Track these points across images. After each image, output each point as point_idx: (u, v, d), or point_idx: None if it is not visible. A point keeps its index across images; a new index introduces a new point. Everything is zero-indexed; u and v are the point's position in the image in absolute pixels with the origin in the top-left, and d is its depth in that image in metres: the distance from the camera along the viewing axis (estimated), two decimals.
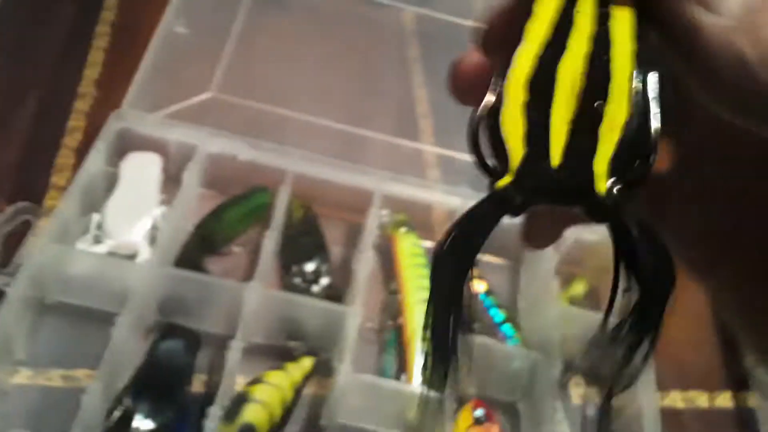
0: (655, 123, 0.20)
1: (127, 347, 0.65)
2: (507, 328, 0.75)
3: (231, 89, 0.86)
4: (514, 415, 0.74)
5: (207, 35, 0.92)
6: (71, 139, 0.83)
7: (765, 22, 0.17)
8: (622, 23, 0.20)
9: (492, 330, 0.75)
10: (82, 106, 0.86)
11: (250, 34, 0.92)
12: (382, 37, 1.02)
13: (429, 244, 0.82)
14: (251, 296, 0.66)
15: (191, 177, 0.73)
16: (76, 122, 0.84)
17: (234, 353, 0.63)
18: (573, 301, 0.80)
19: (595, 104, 0.20)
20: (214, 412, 0.60)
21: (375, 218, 0.76)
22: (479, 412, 0.69)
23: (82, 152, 0.79)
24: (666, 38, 0.19)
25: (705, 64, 0.18)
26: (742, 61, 0.17)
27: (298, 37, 0.97)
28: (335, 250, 0.80)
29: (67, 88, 0.87)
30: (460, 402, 0.71)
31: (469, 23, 1.02)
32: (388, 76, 0.99)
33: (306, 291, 0.75)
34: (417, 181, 0.81)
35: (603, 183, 0.20)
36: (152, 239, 0.71)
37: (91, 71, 0.89)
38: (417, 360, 0.72)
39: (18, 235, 0.70)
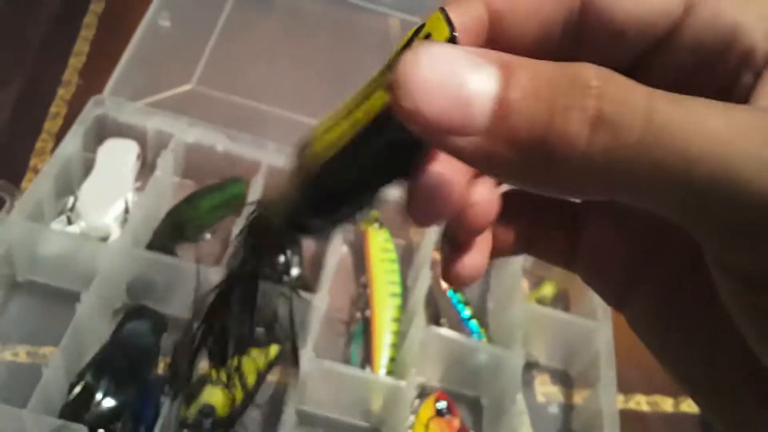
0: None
1: (92, 325, 0.65)
2: (473, 324, 0.76)
3: (212, 83, 0.87)
4: (477, 410, 0.75)
5: (190, 29, 0.93)
6: (52, 125, 0.84)
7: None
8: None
9: (458, 325, 0.76)
10: (64, 93, 0.87)
11: (232, 30, 0.93)
12: (365, 42, 1.03)
13: (400, 241, 0.83)
14: (217, 281, 0.67)
15: (165, 163, 0.74)
16: (58, 108, 0.86)
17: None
18: (541, 302, 0.81)
19: None
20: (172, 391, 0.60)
21: None
22: (442, 405, 0.70)
23: (62, 138, 0.80)
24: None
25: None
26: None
27: (281, 36, 0.99)
28: (308, 243, 0.81)
29: (51, 75, 0.88)
30: (423, 393, 0.72)
31: None
32: (367, 78, 1.00)
33: (277, 281, 0.75)
34: None
35: None
36: (124, 223, 0.72)
37: (76, 60, 0.91)
38: (382, 351, 0.73)
39: None
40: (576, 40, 0.21)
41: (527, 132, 0.17)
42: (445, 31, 0.19)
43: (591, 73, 0.17)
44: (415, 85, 0.17)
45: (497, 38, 0.21)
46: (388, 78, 0.18)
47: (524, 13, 0.21)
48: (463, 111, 0.17)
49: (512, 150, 0.17)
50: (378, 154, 0.22)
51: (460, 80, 0.17)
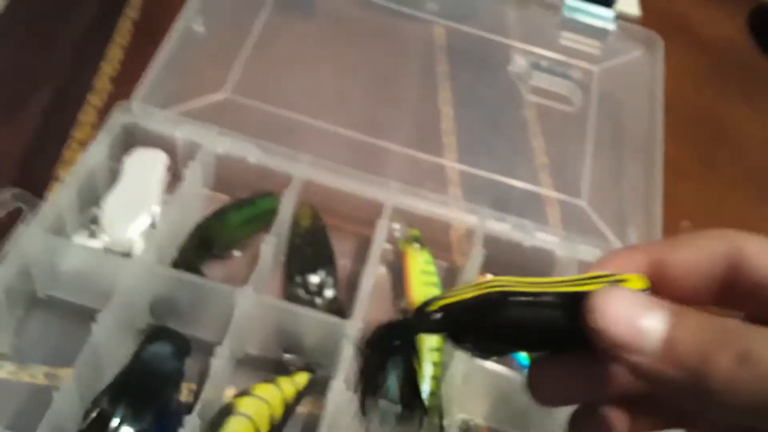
0: None
1: (110, 347, 0.61)
2: (522, 358, 0.70)
3: (246, 91, 0.83)
4: None
5: (226, 35, 0.89)
6: (81, 133, 0.80)
7: None
8: None
9: (507, 358, 0.70)
10: (95, 100, 0.84)
11: (269, 37, 0.89)
12: (409, 50, 0.99)
13: (444, 263, 0.78)
14: (243, 302, 0.62)
15: (193, 174, 0.70)
16: (88, 116, 0.82)
17: (218, 361, 0.59)
18: None
19: None
20: (193, 421, 0.55)
21: (383, 231, 0.72)
22: None
23: None
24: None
25: None
26: None
27: (320, 44, 0.94)
28: (343, 264, 0.76)
29: (82, 81, 0.85)
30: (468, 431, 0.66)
31: (502, 40, 0.99)
32: (412, 90, 0.95)
33: (309, 303, 0.71)
34: (434, 197, 0.76)
35: None
36: (149, 238, 0.68)
37: (109, 67, 0.87)
38: (423, 383, 0.67)
39: (10, 223, 0.67)
40: (727, 289, 0.27)
41: (689, 358, 0.23)
42: (642, 284, 0.27)
43: (737, 323, 0.23)
44: (607, 315, 0.24)
45: (661, 282, 0.28)
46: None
47: (681, 263, 0.28)
48: (636, 338, 0.24)
49: (676, 370, 0.23)
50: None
51: (636, 316, 0.24)
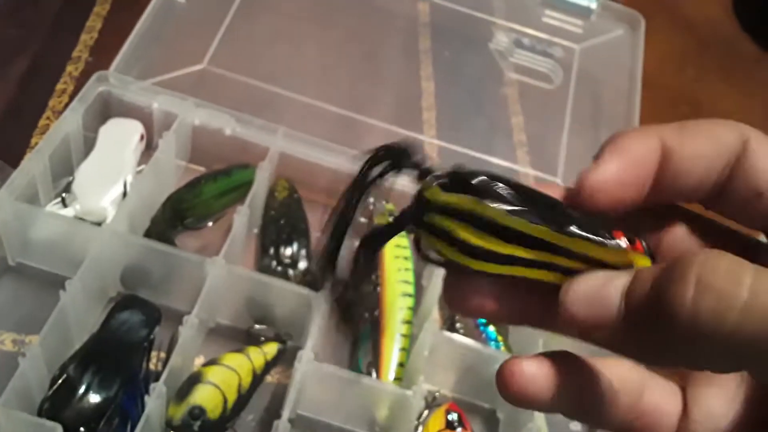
0: None
1: (79, 314, 0.61)
2: (490, 331, 0.71)
3: (225, 64, 0.83)
4: (492, 423, 0.69)
5: (206, 7, 0.89)
6: (57, 102, 0.80)
7: None
8: None
9: (474, 332, 0.70)
10: (73, 70, 0.83)
11: (251, 10, 0.89)
12: (392, 26, 0.98)
13: None
14: (214, 272, 0.62)
15: (167, 144, 0.70)
16: (65, 85, 0.82)
17: (188, 330, 0.59)
18: None
19: None
20: (159, 389, 0.56)
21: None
22: (453, 416, 0.65)
23: None
24: None
25: None
26: None
27: (302, 17, 0.94)
28: (318, 237, 0.76)
29: (60, 50, 0.85)
30: (432, 404, 0.67)
31: (485, 17, 0.99)
32: (394, 66, 0.95)
33: (282, 275, 0.71)
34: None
35: None
36: (122, 207, 0.68)
37: (87, 37, 0.87)
38: (391, 355, 0.68)
39: None
40: (721, 194, 0.25)
41: (646, 302, 0.22)
42: (648, 261, 0.25)
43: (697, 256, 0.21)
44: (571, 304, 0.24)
45: (665, 170, 0.25)
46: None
47: (690, 155, 0.25)
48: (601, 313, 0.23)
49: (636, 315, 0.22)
50: None
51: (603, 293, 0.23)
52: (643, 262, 0.24)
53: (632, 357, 0.24)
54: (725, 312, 0.20)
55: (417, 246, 0.27)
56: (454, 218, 0.25)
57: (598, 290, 0.23)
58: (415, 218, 0.26)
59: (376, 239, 0.27)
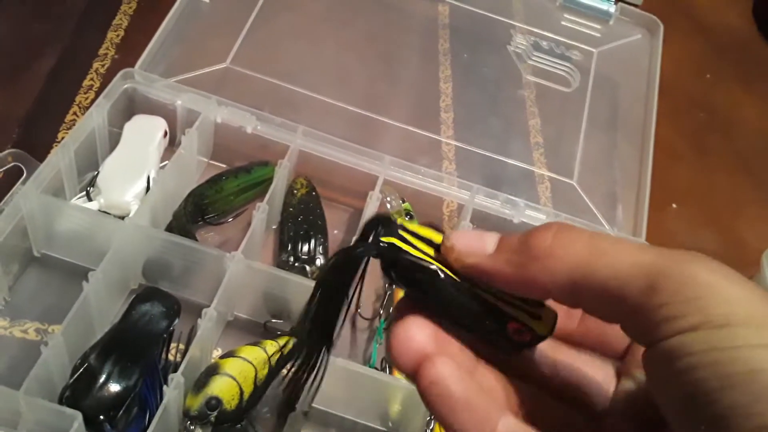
0: None
1: (102, 305, 0.63)
2: None
3: (248, 63, 0.84)
4: None
5: (230, 7, 0.90)
6: (84, 98, 0.82)
7: None
8: None
9: None
10: (99, 67, 0.85)
11: (273, 10, 0.90)
12: (411, 27, 0.99)
13: None
14: (234, 266, 0.64)
15: (190, 141, 0.71)
16: (92, 82, 0.84)
17: (206, 322, 0.61)
18: None
19: None
20: (177, 379, 0.57)
21: (375, 202, 0.73)
22: None
23: None
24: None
25: None
26: None
27: (323, 18, 0.95)
28: (336, 235, 0.78)
29: (88, 48, 0.87)
30: None
31: (504, 20, 0.99)
32: (413, 66, 0.96)
33: (300, 271, 0.72)
34: (427, 171, 0.78)
35: None
36: (145, 201, 0.69)
37: (114, 34, 0.89)
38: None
39: (9, 183, 0.69)
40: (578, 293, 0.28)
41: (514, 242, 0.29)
42: (547, 330, 0.30)
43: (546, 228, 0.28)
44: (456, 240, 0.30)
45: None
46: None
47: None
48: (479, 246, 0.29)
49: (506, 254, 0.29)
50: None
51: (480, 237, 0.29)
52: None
53: (498, 279, 0.29)
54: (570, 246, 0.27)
55: (383, 267, 0.30)
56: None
57: (480, 234, 0.29)
58: (375, 242, 0.30)
59: (338, 275, 0.31)
